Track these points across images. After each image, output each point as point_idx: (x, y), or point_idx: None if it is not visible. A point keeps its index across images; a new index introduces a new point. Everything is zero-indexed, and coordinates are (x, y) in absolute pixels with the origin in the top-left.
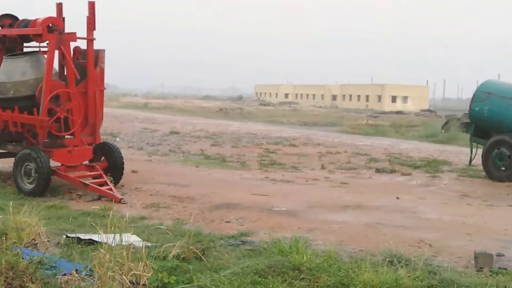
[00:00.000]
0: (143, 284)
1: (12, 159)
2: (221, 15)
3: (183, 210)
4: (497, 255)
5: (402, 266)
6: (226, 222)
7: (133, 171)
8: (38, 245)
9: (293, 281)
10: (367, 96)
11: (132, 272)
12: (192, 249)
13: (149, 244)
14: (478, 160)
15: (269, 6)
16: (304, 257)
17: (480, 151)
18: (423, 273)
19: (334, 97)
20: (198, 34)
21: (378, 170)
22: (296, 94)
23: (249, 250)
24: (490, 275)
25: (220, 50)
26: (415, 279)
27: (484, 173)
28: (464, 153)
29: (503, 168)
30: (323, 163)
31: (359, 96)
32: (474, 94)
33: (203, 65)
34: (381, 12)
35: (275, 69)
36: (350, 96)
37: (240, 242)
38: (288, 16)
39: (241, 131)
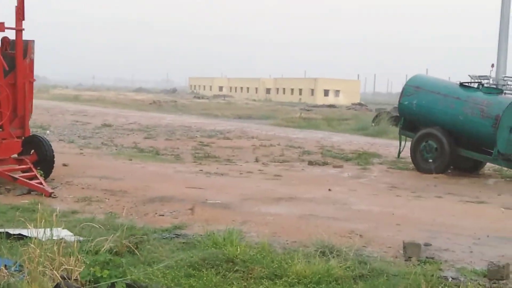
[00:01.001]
0: (75, 279)
1: None
2: (157, 9)
3: (116, 203)
4: (424, 245)
5: (333, 257)
6: (160, 215)
7: (64, 165)
8: None
9: (227, 273)
10: (300, 90)
11: (64, 267)
12: (125, 243)
13: (80, 238)
14: (406, 153)
15: (204, 1)
16: (238, 249)
17: (408, 144)
18: (354, 263)
19: (268, 91)
20: (132, 26)
21: (310, 163)
22: (231, 87)
23: (183, 243)
24: (418, 264)
25: (154, 43)
26: (346, 269)
27: (413, 165)
28: (393, 145)
29: (430, 161)
30: (257, 156)
31: (292, 90)
32: (403, 88)
33: (137, 58)
34: (309, 10)
35: (210, 62)
36: (284, 89)
37: (174, 235)
38: (219, 12)
39: (175, 124)
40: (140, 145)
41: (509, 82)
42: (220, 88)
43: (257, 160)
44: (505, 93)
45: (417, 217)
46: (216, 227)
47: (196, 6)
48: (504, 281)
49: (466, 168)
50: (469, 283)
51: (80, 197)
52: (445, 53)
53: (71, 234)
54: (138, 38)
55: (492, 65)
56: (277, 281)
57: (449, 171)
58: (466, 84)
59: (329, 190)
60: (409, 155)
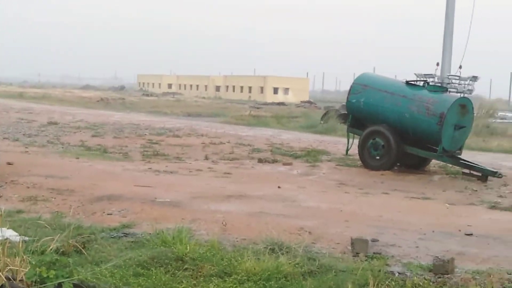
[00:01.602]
0: (20, 280)
1: None
2: (106, 4)
3: (63, 202)
4: (372, 241)
5: (283, 254)
6: (108, 214)
7: (9, 163)
8: None
9: (177, 271)
10: (250, 88)
11: (8, 267)
12: (72, 242)
13: (26, 238)
14: (354, 150)
15: None
16: (187, 247)
17: (356, 141)
18: (303, 260)
19: (217, 88)
20: (79, 23)
21: (260, 160)
22: (180, 85)
23: (132, 242)
24: (366, 260)
25: (102, 39)
26: (295, 266)
27: (360, 162)
28: (341, 143)
29: (377, 158)
30: (206, 154)
31: (242, 88)
32: (351, 87)
33: (84, 54)
34: (260, 8)
35: (159, 59)
36: (234, 87)
37: (122, 234)
38: (172, 7)
39: (123, 121)
40: (87, 143)
41: (453, 81)
42: (169, 86)
43: (206, 158)
44: (449, 91)
45: (365, 213)
46: (165, 225)
47: (144, 2)
48: (449, 275)
49: (412, 165)
50: (415, 277)
51: (25, 196)
52: (392, 51)
53: (16, 234)
54: (85, 34)
55: (437, 64)
56: (227, 279)
57: (396, 168)
58: (412, 82)
59: (279, 187)
60: (357, 152)
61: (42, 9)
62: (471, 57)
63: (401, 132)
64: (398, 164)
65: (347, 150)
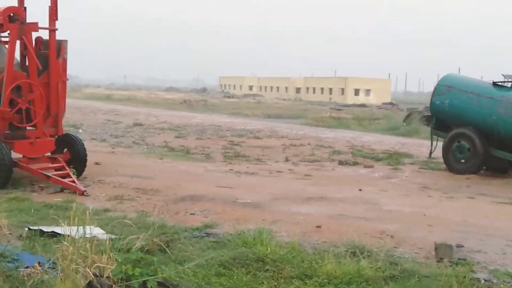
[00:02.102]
0: (107, 277)
1: None
2: (187, 9)
3: (147, 202)
4: (456, 246)
5: (364, 257)
6: (191, 214)
7: (96, 163)
8: None
9: (257, 272)
10: (331, 89)
11: (96, 264)
12: (156, 241)
13: (113, 236)
14: (438, 153)
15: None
16: (268, 248)
17: (440, 144)
18: (385, 264)
19: (298, 90)
20: (163, 26)
21: (341, 163)
22: (261, 87)
23: (214, 242)
24: (450, 266)
25: (185, 42)
26: (377, 270)
27: (445, 165)
28: (425, 145)
29: (463, 161)
30: (287, 156)
31: (322, 89)
32: (435, 88)
33: (167, 57)
34: (343, 8)
35: (240, 61)
36: (314, 89)
37: (205, 234)
38: (252, 10)
39: (205, 123)
40: (171, 144)
41: None
42: (250, 88)
43: (287, 160)
44: None
45: (449, 218)
46: (246, 226)
47: (227, 5)
48: None
49: (499, 168)
50: (502, 285)
51: (112, 195)
52: (478, 51)
53: (104, 232)
54: (169, 37)
55: None
56: (307, 281)
57: (482, 171)
58: (500, 83)
59: (360, 190)
60: (441, 155)
61: (128, 15)
62: None
63: (487, 135)
64: (484, 167)
65: (431, 153)
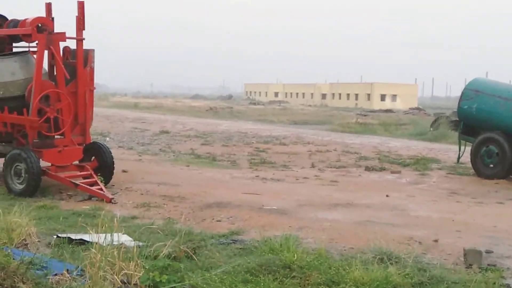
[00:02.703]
0: (135, 284)
1: (2, 160)
2: (212, 16)
3: (174, 209)
4: (486, 252)
5: (392, 264)
6: (217, 221)
7: (124, 171)
8: (28, 245)
9: (284, 279)
10: (356, 95)
11: (124, 271)
12: (183, 248)
13: (140, 243)
14: (466, 158)
15: (258, 6)
16: (295, 255)
17: (468, 148)
18: (413, 270)
19: (323, 96)
20: (188, 34)
21: (367, 168)
22: (286, 93)
23: (240, 248)
24: (479, 272)
25: (210, 50)
26: (405, 276)
27: (473, 170)
28: (452, 151)
29: (491, 166)
30: (313, 162)
31: (348, 95)
32: (462, 92)
33: (193, 65)
34: (368, 11)
35: (265, 67)
36: (340, 94)
37: (231, 241)
38: (277, 15)
39: (231, 130)
40: (197, 151)
41: None
42: (276, 94)
43: (313, 166)
44: None
45: (478, 224)
46: (273, 233)
47: (253, 11)
48: None
49: None
50: None
51: (139, 203)
52: (506, 54)
53: (131, 239)
54: (194, 45)
55: None
56: None
57: (511, 176)
58: None
59: (387, 196)
60: (469, 160)
61: (154, 23)
62: None
63: None
64: None
65: (459, 158)
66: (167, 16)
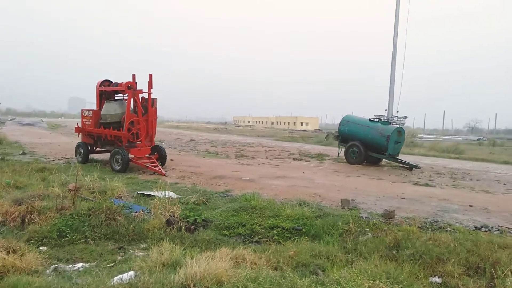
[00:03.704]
0: (176, 217)
1: (108, 154)
2: (221, 61)
3: (197, 179)
4: (351, 200)
5: (305, 206)
6: (218, 185)
7: (171, 160)
8: (122, 197)
9: (252, 214)
10: (289, 122)
11: (171, 211)
12: (201, 199)
13: (179, 196)
14: (342, 154)
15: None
16: (257, 202)
17: (343, 149)
18: (316, 210)
19: (272, 123)
20: (203, 76)
21: (294, 159)
22: (254, 121)
23: (230, 199)
24: (348, 210)
25: (215, 90)
26: (312, 212)
27: (345, 160)
28: (335, 150)
29: (354, 158)
30: (267, 155)
31: (285, 122)
32: (341, 121)
33: (207, 102)
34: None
35: (244, 107)
36: (281, 122)
37: (225, 195)
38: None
39: (226, 139)
40: (208, 150)
41: (394, 119)
42: (249, 121)
43: (267, 158)
44: (391, 124)
45: (348, 186)
46: (247, 191)
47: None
48: (392, 219)
49: (372, 162)
50: (374, 220)
51: (179, 175)
52: (362, 99)
53: (174, 194)
54: (208, 86)
55: (385, 110)
56: (277, 218)
57: (364, 163)
58: (373, 119)
59: (303, 172)
60: (344, 155)
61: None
62: (408, 99)
63: (366, 145)
64: (365, 161)
65: (338, 154)
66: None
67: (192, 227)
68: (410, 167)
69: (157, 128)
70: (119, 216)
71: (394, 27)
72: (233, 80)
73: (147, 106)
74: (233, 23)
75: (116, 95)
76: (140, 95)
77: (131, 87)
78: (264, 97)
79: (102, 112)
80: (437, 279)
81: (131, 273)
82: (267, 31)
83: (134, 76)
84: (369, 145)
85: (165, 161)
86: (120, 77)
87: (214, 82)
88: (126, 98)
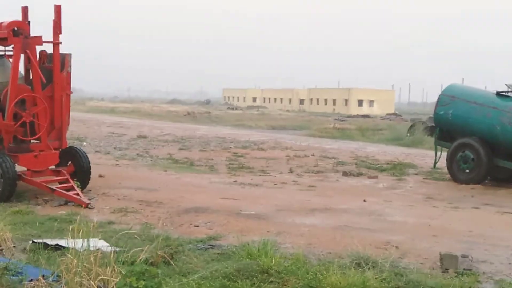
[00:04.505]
0: None
1: None
2: (190, 22)
3: (151, 214)
4: (462, 256)
5: (369, 268)
6: (195, 226)
7: (100, 176)
8: (3, 250)
9: (262, 284)
10: (334, 100)
11: (100, 277)
12: (160, 253)
13: (117, 249)
14: (443, 163)
15: (240, 13)
16: (273, 260)
17: (444, 154)
18: (390, 275)
19: (301, 101)
20: (166, 40)
21: (345, 173)
22: (264, 98)
23: (218, 254)
24: (455, 276)
25: (188, 55)
26: (382, 281)
27: (449, 175)
28: (429, 156)
29: (467, 171)
30: (291, 167)
31: (326, 100)
32: (438, 98)
33: (171, 70)
34: (345, 19)
35: (243, 73)
36: (317, 100)
37: (209, 246)
38: (257, 23)
39: (209, 135)
40: (174, 156)
41: None
42: (254, 99)
43: (291, 171)
44: None
45: (454, 228)
46: (251, 238)
47: (228, 16)
48: None
49: (504, 178)
50: None
51: (116, 208)
52: (481, 60)
53: (108, 244)
54: (171, 48)
55: None
56: None
57: (487, 181)
58: (503, 93)
59: (364, 201)
60: (445, 165)
61: (129, 27)
62: None
63: (491, 145)
64: (488, 177)
65: (435, 163)
66: (145, 22)
67: None
68: None
69: (72, 113)
70: None
71: None
72: (220, 29)
73: (52, 69)
74: None
75: None
76: (39, 48)
77: (19, 31)
78: (283, 57)
79: None
80: None
81: None
82: None
83: (25, 9)
84: (496, 144)
85: (89, 178)
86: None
87: (182, 35)
88: (10, 54)
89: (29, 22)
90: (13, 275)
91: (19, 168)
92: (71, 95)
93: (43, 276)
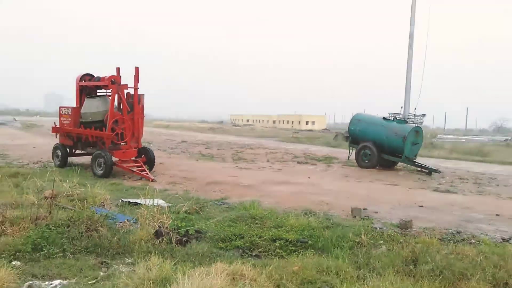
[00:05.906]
0: (166, 227)
1: (89, 157)
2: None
3: (189, 185)
4: (363, 209)
5: (311, 216)
6: (213, 192)
7: (160, 163)
8: (105, 205)
9: (251, 224)
10: (292, 121)
11: (160, 220)
12: (194, 207)
13: (169, 204)
14: (352, 156)
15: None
16: (257, 211)
17: (353, 151)
18: (323, 219)
19: (274, 122)
20: (198, 77)
21: (298, 162)
22: (254, 120)
23: (227, 207)
24: (360, 220)
25: (211, 91)
26: (319, 222)
27: (356, 163)
28: (345, 153)
29: (366, 161)
30: (268, 158)
31: (288, 121)
32: (351, 120)
33: (203, 100)
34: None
35: (243, 103)
36: (283, 121)
37: (221, 203)
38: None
39: (222, 140)
40: (202, 152)
41: (411, 117)
42: (247, 120)
43: (268, 161)
44: (408, 123)
45: (359, 193)
46: (245, 198)
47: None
48: (409, 230)
49: (387, 165)
50: (389, 230)
51: (169, 181)
52: (375, 96)
53: (164, 202)
54: (202, 82)
55: (401, 107)
56: (279, 229)
57: (377, 167)
58: (387, 117)
59: (309, 177)
60: (354, 158)
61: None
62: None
63: (380, 146)
64: (378, 165)
65: (349, 156)
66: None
67: (184, 239)
68: (429, 171)
69: (144, 128)
70: (102, 227)
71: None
72: (230, 75)
73: (133, 103)
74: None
75: (98, 91)
76: (125, 91)
77: (115, 81)
78: (264, 94)
79: (83, 110)
80: None
81: None
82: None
83: (118, 69)
84: (383, 146)
85: (153, 165)
86: (103, 71)
87: (210, 78)
88: (110, 94)
89: (120, 76)
90: (110, 219)
91: (114, 159)
92: (144, 118)
93: (127, 220)
